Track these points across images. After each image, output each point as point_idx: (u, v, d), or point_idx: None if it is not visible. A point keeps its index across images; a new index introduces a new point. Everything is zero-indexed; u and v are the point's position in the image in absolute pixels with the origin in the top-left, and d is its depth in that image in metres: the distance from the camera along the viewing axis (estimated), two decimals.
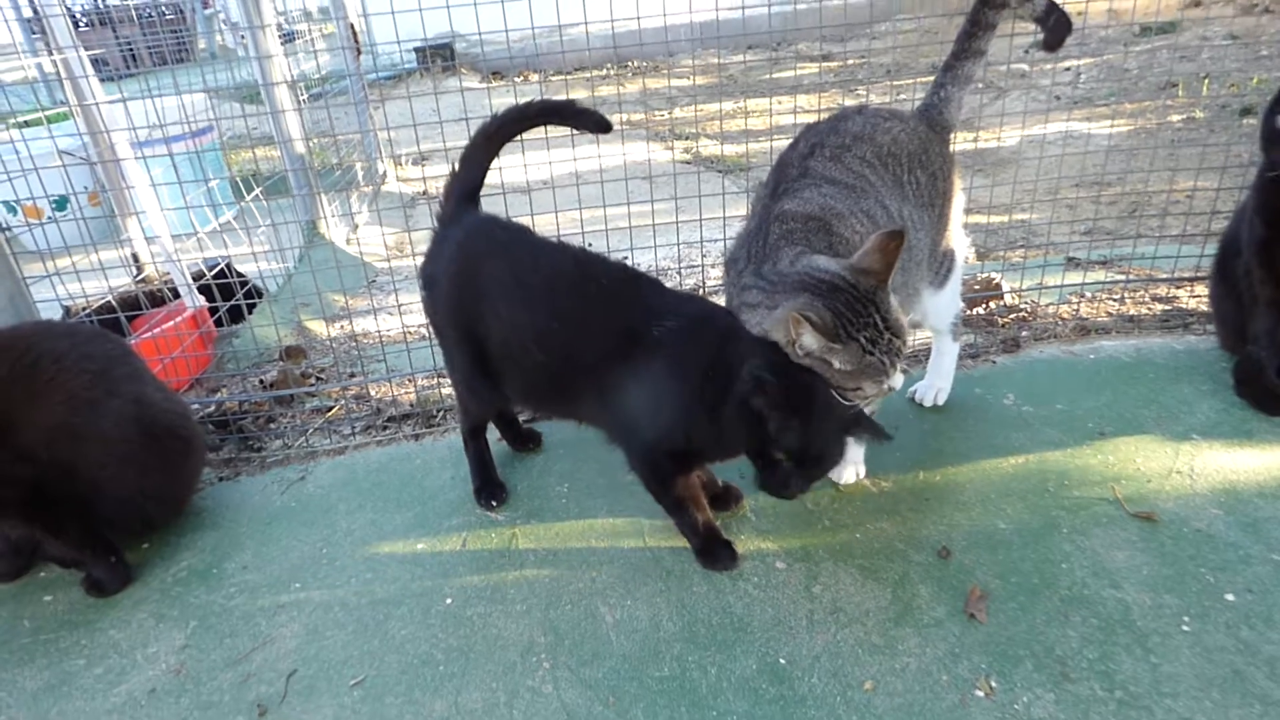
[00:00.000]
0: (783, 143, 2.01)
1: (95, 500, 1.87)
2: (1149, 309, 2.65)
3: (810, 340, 1.49)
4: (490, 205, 2.31)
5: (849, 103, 5.96)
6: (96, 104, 2.67)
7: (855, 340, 1.50)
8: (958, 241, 2.06)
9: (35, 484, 1.80)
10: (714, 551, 1.78)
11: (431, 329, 2.02)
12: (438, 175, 5.37)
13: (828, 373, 1.55)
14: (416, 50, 7.48)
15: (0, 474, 1.77)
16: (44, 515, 1.83)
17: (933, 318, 2.11)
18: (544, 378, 1.79)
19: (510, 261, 1.78)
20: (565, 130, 2.06)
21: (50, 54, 2.57)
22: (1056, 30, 1.97)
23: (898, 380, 1.59)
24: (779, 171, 1.87)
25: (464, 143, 2.02)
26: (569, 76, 7.43)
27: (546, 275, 1.75)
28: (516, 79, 7.98)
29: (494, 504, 2.05)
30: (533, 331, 1.74)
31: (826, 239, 1.70)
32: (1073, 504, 1.85)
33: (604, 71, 7.86)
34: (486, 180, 1.99)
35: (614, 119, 1.91)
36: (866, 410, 1.88)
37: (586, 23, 2.34)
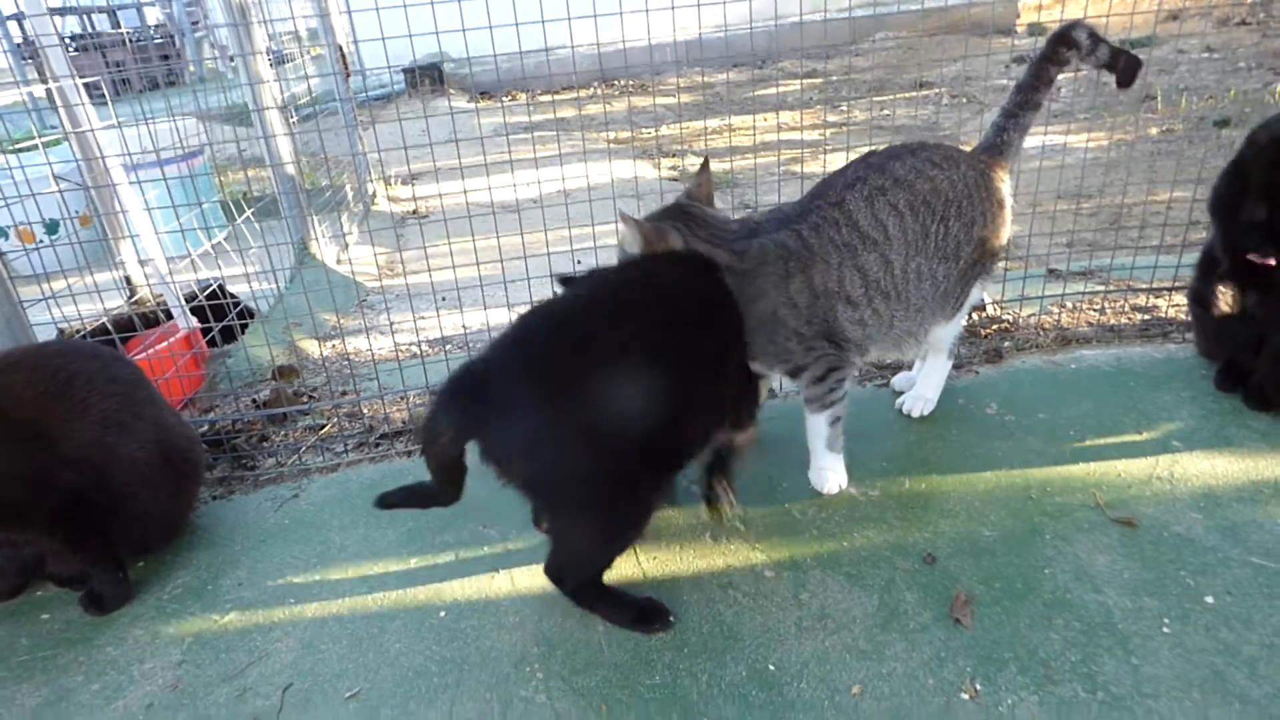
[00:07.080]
0: (767, 160, 2.06)
1: (113, 518, 1.90)
2: (1129, 318, 2.70)
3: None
4: (480, 224, 2.35)
5: (833, 118, 6.04)
6: (92, 130, 2.70)
7: (678, 232, 1.83)
8: (983, 283, 2.08)
9: (75, 493, 1.82)
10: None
11: None
12: (427, 195, 5.41)
13: None
14: (405, 71, 7.54)
15: (46, 478, 1.79)
16: (70, 527, 1.84)
17: (934, 342, 2.14)
18: None
19: None
20: (553, 149, 2.11)
21: (45, 82, 2.60)
22: (1128, 69, 2.00)
23: None
24: (823, 187, 1.92)
25: (453, 162, 2.06)
26: (556, 96, 7.50)
27: None
28: (505, 99, 8.06)
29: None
30: None
31: (801, 275, 1.83)
32: (1055, 510, 1.89)
33: (591, 91, 7.93)
34: (475, 199, 2.03)
35: (601, 137, 1.97)
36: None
37: (573, 46, 2.39)
